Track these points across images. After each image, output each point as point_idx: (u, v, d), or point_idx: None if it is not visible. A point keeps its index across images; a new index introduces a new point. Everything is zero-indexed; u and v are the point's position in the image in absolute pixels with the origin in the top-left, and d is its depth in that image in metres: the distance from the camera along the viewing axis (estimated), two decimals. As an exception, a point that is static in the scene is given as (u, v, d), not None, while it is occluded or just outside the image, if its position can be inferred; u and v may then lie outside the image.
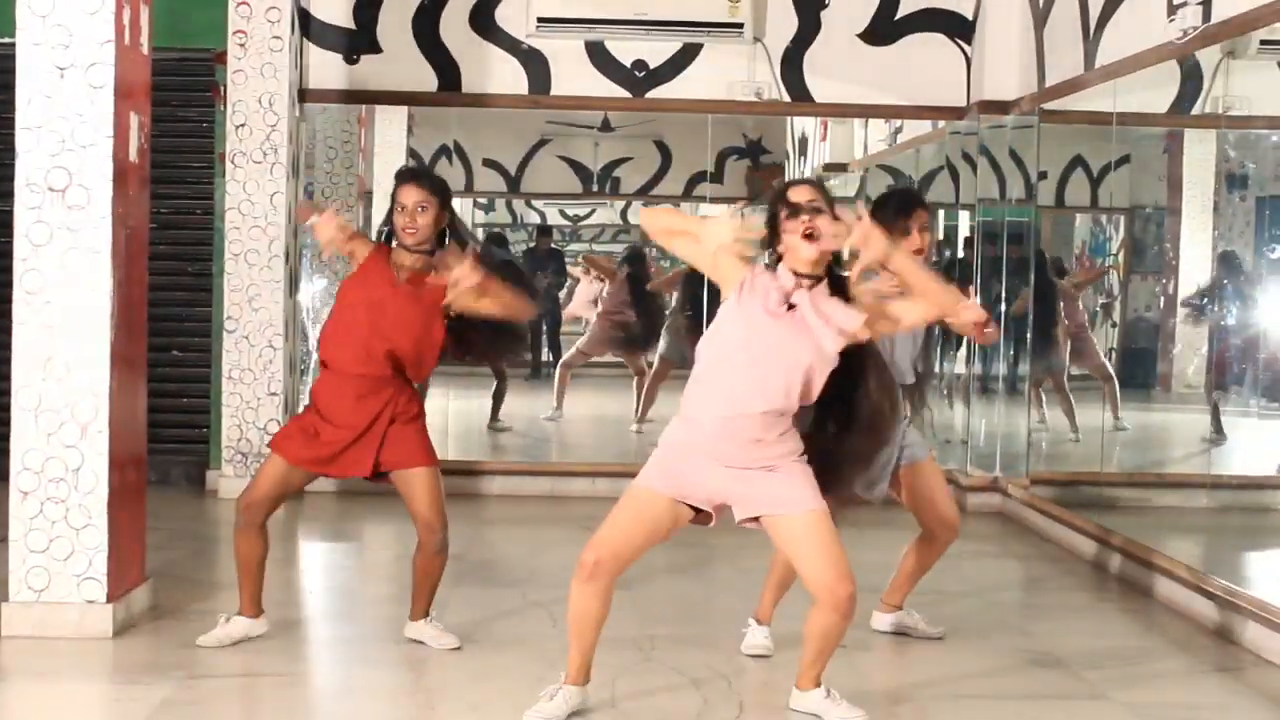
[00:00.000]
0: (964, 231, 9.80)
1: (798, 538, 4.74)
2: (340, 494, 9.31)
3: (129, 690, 5.17)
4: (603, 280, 12.94)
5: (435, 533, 5.63)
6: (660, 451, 4.85)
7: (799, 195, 4.78)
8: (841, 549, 4.73)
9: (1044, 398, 9.91)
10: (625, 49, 9.50)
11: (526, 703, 4.89)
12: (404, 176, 5.70)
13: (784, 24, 9.53)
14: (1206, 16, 6.71)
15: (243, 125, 9.07)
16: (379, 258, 5.66)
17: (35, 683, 5.31)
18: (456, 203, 14.97)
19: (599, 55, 9.53)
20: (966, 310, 5.07)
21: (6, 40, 5.97)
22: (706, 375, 4.78)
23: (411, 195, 5.59)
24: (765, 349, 4.69)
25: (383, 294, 5.59)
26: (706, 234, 4.73)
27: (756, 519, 4.80)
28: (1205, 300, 8.69)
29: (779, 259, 4.81)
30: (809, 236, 4.69)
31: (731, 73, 9.50)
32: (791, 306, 4.72)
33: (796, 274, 4.75)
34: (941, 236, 11.15)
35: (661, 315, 12.34)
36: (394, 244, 5.67)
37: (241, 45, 9.06)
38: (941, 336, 6.33)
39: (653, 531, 4.81)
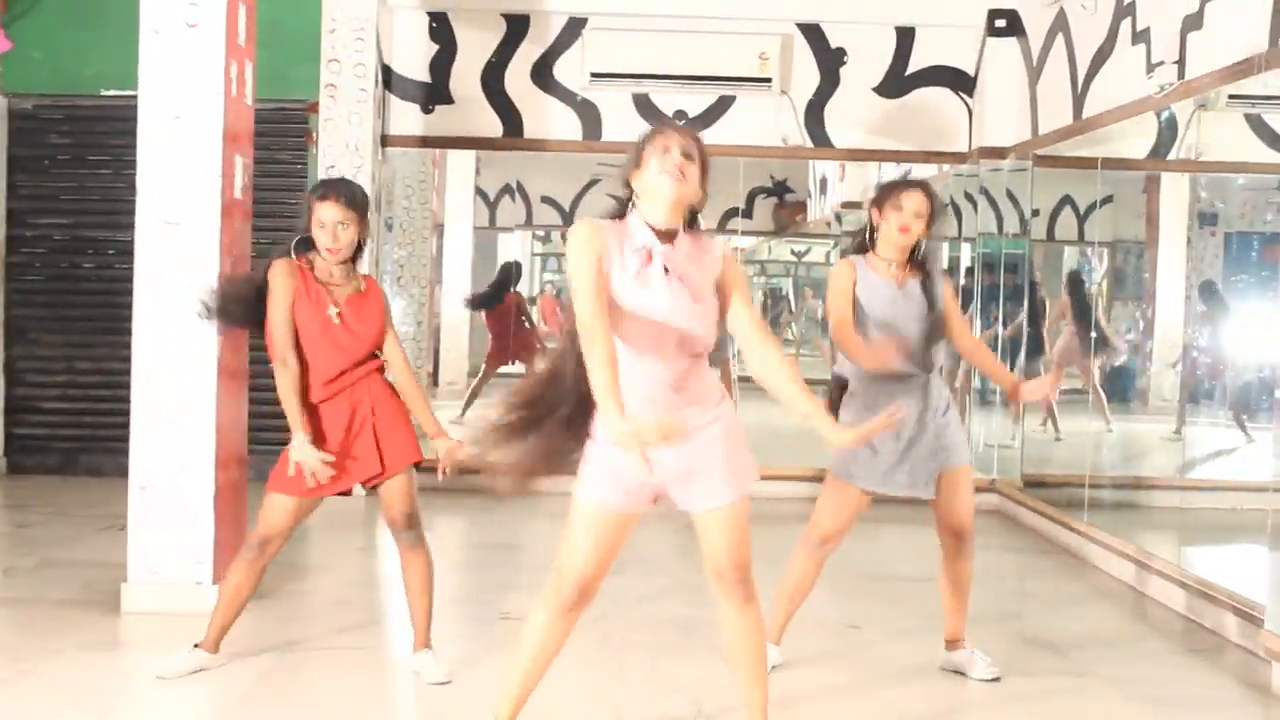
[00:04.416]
0: (965, 262, 9.79)
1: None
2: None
3: (232, 662, 5.21)
4: None
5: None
6: None
7: (672, 140, 3.88)
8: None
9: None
10: (668, 100, 9.52)
11: (570, 701, 4.85)
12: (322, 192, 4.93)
13: (808, 78, 9.54)
14: (1181, 74, 6.70)
15: (332, 167, 9.12)
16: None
17: (151, 654, 5.34)
18: (517, 235, 14.85)
19: (645, 105, 9.56)
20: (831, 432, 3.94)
21: (130, 92, 6.05)
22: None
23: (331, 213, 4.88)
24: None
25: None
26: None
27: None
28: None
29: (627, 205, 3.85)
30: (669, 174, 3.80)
31: (761, 121, 9.51)
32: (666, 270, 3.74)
33: (654, 228, 3.80)
34: (946, 266, 11.14)
35: None
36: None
37: (332, 97, 9.13)
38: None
39: None
